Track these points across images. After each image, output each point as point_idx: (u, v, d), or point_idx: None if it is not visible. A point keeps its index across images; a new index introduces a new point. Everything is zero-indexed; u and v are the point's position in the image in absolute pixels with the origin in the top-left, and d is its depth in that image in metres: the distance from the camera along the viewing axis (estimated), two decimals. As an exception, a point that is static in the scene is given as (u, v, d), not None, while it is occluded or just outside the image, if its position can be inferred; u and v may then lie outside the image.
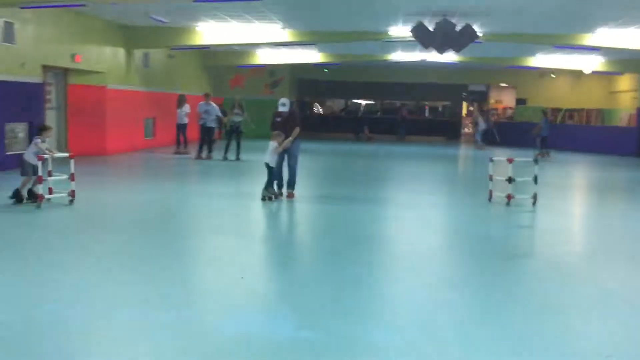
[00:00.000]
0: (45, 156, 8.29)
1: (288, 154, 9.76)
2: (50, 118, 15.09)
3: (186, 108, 17.21)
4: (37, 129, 8.60)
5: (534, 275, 5.80)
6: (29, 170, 8.31)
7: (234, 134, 15.72)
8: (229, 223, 8.10)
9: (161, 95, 19.65)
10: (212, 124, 15.82)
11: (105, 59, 16.14)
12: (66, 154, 8.68)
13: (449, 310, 4.65)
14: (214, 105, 15.99)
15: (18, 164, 8.76)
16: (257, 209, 8.94)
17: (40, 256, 5.85)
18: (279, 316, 4.35)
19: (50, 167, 8.33)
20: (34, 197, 8.31)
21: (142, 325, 4.12)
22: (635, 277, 5.82)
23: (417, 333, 4.11)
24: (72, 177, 8.48)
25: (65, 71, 15.25)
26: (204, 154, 15.73)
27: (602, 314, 4.63)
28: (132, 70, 17.60)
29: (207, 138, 15.82)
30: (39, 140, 8.46)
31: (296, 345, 3.86)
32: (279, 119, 9.77)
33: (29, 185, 8.43)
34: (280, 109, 9.76)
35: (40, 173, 8.20)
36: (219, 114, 15.95)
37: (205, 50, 22.43)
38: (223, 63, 24.22)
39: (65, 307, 4.40)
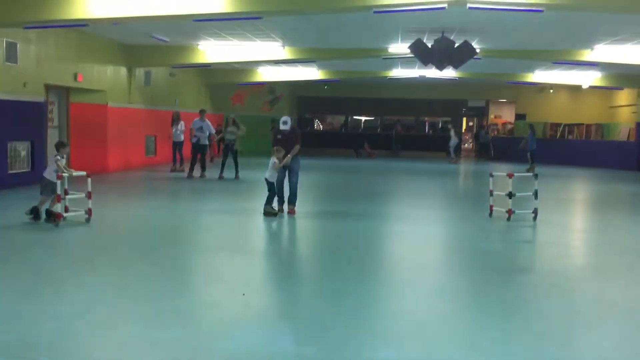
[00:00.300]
0: (65, 174, 8.27)
1: (289, 170, 9.80)
2: (52, 137, 15.16)
3: (181, 126, 17.23)
4: (55, 146, 8.66)
5: (534, 289, 5.80)
6: (48, 188, 8.31)
7: (229, 152, 15.38)
8: (231, 240, 8.12)
9: (162, 113, 19.75)
10: (206, 142, 15.36)
11: (106, 77, 16.26)
12: (83, 173, 8.74)
13: (449, 324, 4.65)
14: (208, 122, 15.51)
15: (39, 181, 8.71)
16: (258, 226, 8.96)
17: (56, 273, 5.87)
18: (280, 332, 4.35)
19: (66, 185, 8.35)
20: (51, 215, 8.25)
21: (143, 342, 4.13)
22: (636, 289, 5.82)
23: (417, 347, 4.11)
24: (89, 195, 8.48)
25: (67, 90, 15.36)
26: (197, 172, 15.29)
27: (603, 326, 4.64)
28: (134, 88, 17.72)
29: (200, 156, 15.34)
30: (58, 157, 8.41)
31: (298, 361, 3.87)
32: (279, 137, 9.81)
33: (47, 205, 8.42)
34: (282, 127, 9.74)
35: (58, 191, 8.17)
36: (212, 131, 15.62)
37: (206, 68, 22.59)
38: (224, 80, 24.38)
39: (69, 324, 4.41)
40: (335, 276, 6.12)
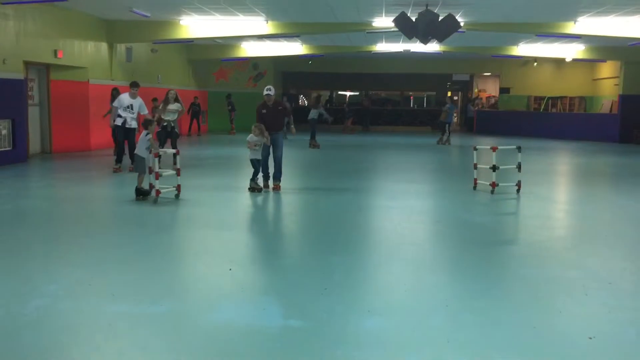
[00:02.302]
0: (161, 152, 8.72)
1: (274, 145, 9.66)
2: (33, 114, 14.99)
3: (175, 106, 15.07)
4: (143, 125, 8.98)
5: (517, 260, 5.89)
6: (141, 165, 8.67)
7: (167, 137, 12.44)
8: (215, 215, 8.12)
9: (145, 90, 19.51)
10: (134, 124, 11.87)
11: (87, 54, 16.02)
12: (173, 150, 9.29)
13: (435, 295, 4.72)
14: (141, 100, 11.99)
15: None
16: (243, 202, 8.96)
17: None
18: (267, 306, 4.39)
19: (150, 163, 8.69)
20: (143, 193, 8.60)
21: (129, 318, 4.14)
22: (617, 259, 5.93)
23: (402, 318, 4.17)
24: (178, 172, 8.78)
25: (48, 67, 15.13)
26: (120, 165, 11.89)
27: (585, 296, 4.73)
28: (115, 65, 17.49)
29: (125, 142, 11.98)
30: (149, 134, 8.71)
31: (285, 333, 3.91)
32: (264, 111, 9.56)
33: (146, 180, 8.77)
34: (265, 92, 9.56)
35: (155, 168, 8.49)
36: (144, 111, 11.94)
37: (189, 44, 22.33)
38: (207, 56, 24.16)
39: (56, 301, 4.41)
40: (321, 250, 6.17)
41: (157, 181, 8.47)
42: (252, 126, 9.47)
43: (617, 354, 3.64)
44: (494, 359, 3.53)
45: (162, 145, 11.34)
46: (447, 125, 20.42)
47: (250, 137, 9.34)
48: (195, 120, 23.01)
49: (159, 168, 8.52)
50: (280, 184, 9.76)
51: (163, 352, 3.60)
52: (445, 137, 20.30)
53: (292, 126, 10.61)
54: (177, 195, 8.77)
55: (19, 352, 3.56)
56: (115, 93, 13.75)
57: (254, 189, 9.43)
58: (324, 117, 19.14)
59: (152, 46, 20.06)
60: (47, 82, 15.37)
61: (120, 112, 11.77)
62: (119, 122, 11.80)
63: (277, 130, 9.77)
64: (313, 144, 18.03)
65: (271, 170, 9.79)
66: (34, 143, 14.97)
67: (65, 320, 4.09)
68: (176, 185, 8.78)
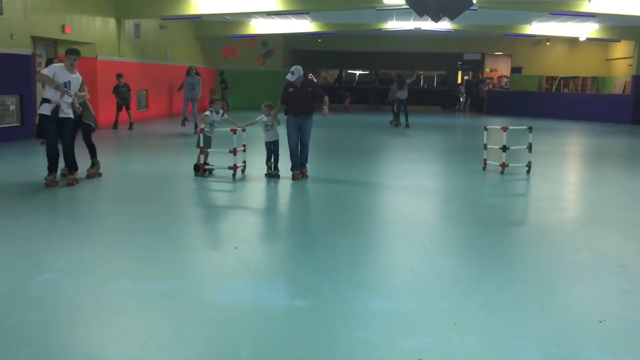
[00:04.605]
0: (206, 129, 8.92)
1: (303, 130, 8.71)
2: (41, 90, 14.93)
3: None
4: (209, 102, 9.41)
5: (527, 242, 5.81)
6: (207, 141, 8.96)
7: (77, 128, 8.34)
8: (226, 197, 8.09)
9: (153, 66, 19.44)
10: (69, 112, 7.90)
11: (95, 29, 15.92)
12: (227, 129, 9.17)
13: (442, 276, 4.66)
14: (79, 76, 8.10)
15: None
16: (253, 186, 8.89)
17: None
18: (272, 285, 4.35)
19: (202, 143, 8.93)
20: (205, 169, 8.91)
21: (133, 295, 4.12)
22: (628, 241, 5.84)
23: (410, 299, 4.12)
24: (234, 152, 8.76)
25: (55, 42, 15.03)
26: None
27: (595, 278, 4.65)
28: (123, 41, 17.38)
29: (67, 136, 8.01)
30: (207, 113, 9.04)
31: (290, 312, 3.87)
32: (291, 90, 8.58)
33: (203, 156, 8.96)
34: (289, 77, 8.57)
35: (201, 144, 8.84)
36: (83, 93, 8.25)
37: (197, 21, 22.15)
38: (215, 33, 23.96)
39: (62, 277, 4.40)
40: (328, 230, 6.12)
41: (201, 156, 8.90)
42: (262, 104, 8.92)
43: (627, 338, 3.58)
44: (502, 341, 3.48)
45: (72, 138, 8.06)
46: (394, 104, 19.24)
47: (260, 117, 8.83)
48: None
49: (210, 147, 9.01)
50: (307, 171, 8.95)
51: (167, 328, 3.57)
52: (395, 118, 19.19)
53: (326, 107, 8.78)
54: (233, 175, 8.77)
55: (24, 327, 3.54)
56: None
57: (270, 174, 8.89)
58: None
59: (160, 22, 19.91)
60: (55, 58, 15.26)
61: (49, 92, 7.78)
62: (46, 109, 7.74)
63: (306, 115, 8.70)
64: (407, 124, 18.53)
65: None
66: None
67: (69, 297, 4.07)
68: (233, 165, 8.76)
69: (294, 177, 8.73)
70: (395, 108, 19.24)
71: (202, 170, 8.89)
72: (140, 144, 13.43)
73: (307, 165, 8.98)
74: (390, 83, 20.63)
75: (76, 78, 8.01)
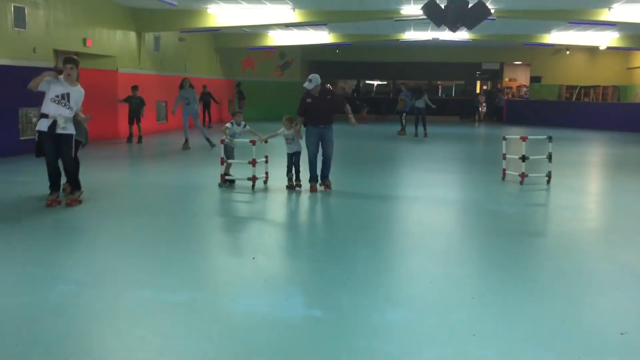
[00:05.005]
0: (226, 140, 8.99)
1: (325, 140, 8.51)
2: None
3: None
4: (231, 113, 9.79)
5: (547, 253, 5.75)
6: (231, 153, 9.14)
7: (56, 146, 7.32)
8: (243, 208, 8.12)
9: (172, 78, 19.64)
10: (69, 128, 7.26)
11: (116, 42, 16.15)
12: (261, 137, 9.15)
13: (460, 287, 4.62)
14: (81, 89, 7.39)
15: None
16: (272, 196, 8.91)
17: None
18: (290, 296, 4.34)
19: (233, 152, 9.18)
20: (230, 181, 9.04)
21: (151, 305, 4.14)
22: (651, 253, 5.75)
23: (428, 310, 4.09)
24: (253, 163, 8.83)
25: (77, 55, 15.26)
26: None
27: (617, 290, 4.58)
28: (143, 53, 17.60)
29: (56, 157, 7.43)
30: (227, 125, 9.21)
31: (307, 323, 3.86)
32: (309, 101, 8.40)
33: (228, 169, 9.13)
34: (306, 85, 8.41)
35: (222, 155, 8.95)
36: (79, 106, 7.38)
37: (215, 33, 22.36)
38: (234, 45, 24.16)
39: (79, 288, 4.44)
40: (344, 240, 6.10)
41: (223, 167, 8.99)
42: (283, 118, 8.86)
43: (651, 351, 3.51)
44: (522, 353, 3.43)
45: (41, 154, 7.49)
46: (403, 114, 19.40)
47: (282, 130, 8.70)
48: (206, 111, 21.57)
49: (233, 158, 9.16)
50: (330, 184, 8.76)
51: (184, 339, 3.58)
52: (403, 127, 19.38)
53: (351, 116, 8.71)
54: (253, 186, 8.82)
55: (43, 336, 3.58)
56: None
57: (291, 186, 8.74)
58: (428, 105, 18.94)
59: (179, 35, 20.14)
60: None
61: (48, 105, 7.09)
62: (43, 125, 7.13)
63: (326, 124, 8.51)
64: (425, 134, 18.69)
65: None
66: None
67: (88, 306, 4.10)
68: (252, 176, 8.81)
69: (311, 189, 8.63)
70: (403, 118, 19.32)
71: (222, 181, 8.94)
72: (157, 155, 13.56)
73: (329, 177, 8.78)
74: (399, 93, 20.70)
75: (77, 91, 7.25)
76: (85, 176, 8.85)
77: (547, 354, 3.41)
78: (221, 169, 9.01)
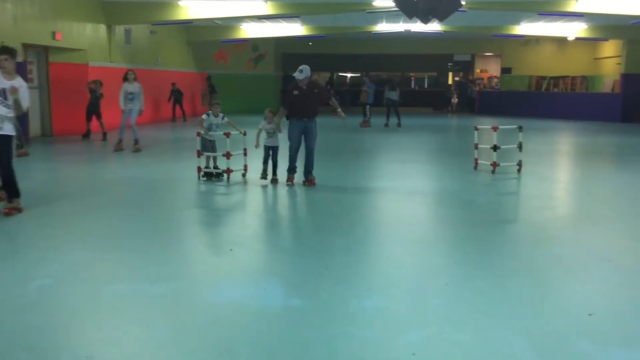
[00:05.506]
0: (201, 132, 8.94)
1: (308, 133, 8.41)
2: (33, 97, 14.90)
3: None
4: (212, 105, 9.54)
5: (518, 239, 5.91)
6: (205, 146, 9.06)
7: None
8: (221, 200, 8.13)
9: (144, 72, 19.45)
10: (6, 127, 6.43)
11: (86, 36, 15.94)
12: (240, 130, 9.09)
13: (435, 274, 4.73)
14: (23, 82, 6.66)
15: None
16: (247, 188, 8.93)
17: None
18: (269, 286, 4.41)
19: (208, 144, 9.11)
20: (215, 174, 9.05)
21: (130, 298, 4.16)
22: (617, 237, 5.94)
23: (404, 297, 4.19)
24: (244, 152, 8.99)
25: (46, 49, 15.04)
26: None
27: (585, 273, 4.74)
28: (114, 47, 17.39)
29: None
30: (203, 116, 9.22)
31: (287, 312, 3.93)
32: (296, 93, 8.25)
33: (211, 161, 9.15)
34: (297, 75, 8.21)
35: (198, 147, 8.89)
36: (26, 102, 6.61)
37: (188, 26, 22.19)
38: (206, 38, 23.99)
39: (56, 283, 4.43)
40: (323, 231, 6.18)
41: (228, 160, 8.84)
42: (265, 110, 8.78)
43: (617, 331, 3.66)
44: (494, 335, 3.55)
45: None
46: (367, 106, 19.47)
47: (262, 124, 8.60)
48: (178, 106, 21.32)
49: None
50: (314, 179, 8.64)
51: (166, 330, 3.62)
52: (366, 119, 19.41)
53: (340, 110, 8.87)
54: (243, 175, 9.01)
55: (22, 331, 3.58)
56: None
57: (265, 177, 8.69)
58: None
59: (151, 28, 19.93)
60: (46, 65, 15.29)
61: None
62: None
63: (310, 117, 8.42)
64: (399, 124, 19.19)
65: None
66: (34, 126, 14.94)
67: (66, 301, 4.11)
68: (244, 165, 9.00)
69: (288, 181, 8.60)
70: (367, 110, 19.50)
71: (200, 173, 8.94)
72: (128, 150, 13.45)
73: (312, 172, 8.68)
74: (362, 84, 20.98)
75: (17, 84, 6.43)
76: (54, 172, 8.80)
77: (517, 336, 3.54)
78: (198, 162, 9.00)
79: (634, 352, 3.38)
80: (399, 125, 18.83)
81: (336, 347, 3.41)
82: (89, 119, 14.49)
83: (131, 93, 12.08)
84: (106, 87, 15.75)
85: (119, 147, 12.24)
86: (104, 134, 14.31)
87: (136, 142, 12.29)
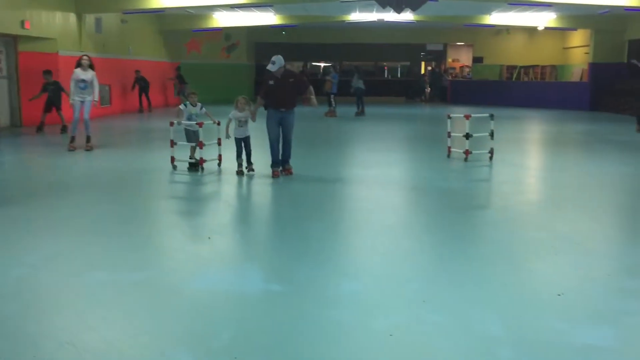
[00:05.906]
0: (209, 121, 8.91)
1: (285, 124, 8.30)
2: (2, 87, 14.68)
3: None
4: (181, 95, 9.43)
5: (490, 224, 6.06)
6: (188, 137, 9.08)
7: None
8: (198, 191, 8.14)
9: (116, 61, 19.22)
10: None
11: (55, 24, 15.67)
12: (215, 120, 8.98)
13: (410, 259, 4.84)
14: None
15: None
16: (225, 179, 8.94)
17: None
18: (247, 272, 4.47)
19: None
20: (195, 165, 8.89)
21: (111, 286, 4.18)
22: (585, 221, 6.14)
23: (380, 281, 4.29)
24: (219, 142, 8.97)
25: (15, 38, 14.76)
26: None
27: (554, 256, 4.90)
28: (84, 36, 17.13)
29: None
30: (180, 106, 9.08)
31: (266, 297, 4.00)
32: (271, 82, 8.10)
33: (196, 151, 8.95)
34: (270, 67, 8.05)
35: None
36: None
37: (159, 15, 21.93)
38: (178, 27, 23.73)
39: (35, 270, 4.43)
40: (299, 218, 6.25)
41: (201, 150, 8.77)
42: (238, 98, 8.58)
43: (584, 309, 3.81)
44: (468, 315, 3.67)
45: None
46: (331, 95, 19.40)
47: (233, 113, 8.44)
48: (144, 95, 20.73)
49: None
50: (292, 168, 8.63)
51: (147, 317, 3.66)
52: (332, 108, 19.33)
53: (313, 97, 8.61)
54: (219, 164, 8.97)
55: (1, 320, 3.59)
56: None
57: (240, 172, 8.53)
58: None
59: (122, 17, 19.66)
60: (15, 54, 15.02)
61: None
62: None
63: (288, 108, 8.28)
64: (363, 111, 19.68)
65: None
66: (4, 116, 14.69)
67: (45, 289, 4.11)
68: (218, 155, 8.97)
69: (274, 175, 8.41)
70: (332, 99, 19.52)
71: (173, 162, 8.93)
72: (108, 140, 13.32)
73: (289, 161, 8.63)
74: (327, 74, 21.14)
75: None
76: (26, 164, 8.70)
77: (491, 315, 3.66)
78: (171, 152, 8.96)
79: (599, 328, 3.53)
80: (362, 113, 19.24)
81: (315, 330, 3.49)
82: (47, 110, 13.76)
83: (83, 81, 10.73)
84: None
85: (73, 146, 10.87)
86: (64, 127, 13.53)
87: (88, 139, 10.94)
